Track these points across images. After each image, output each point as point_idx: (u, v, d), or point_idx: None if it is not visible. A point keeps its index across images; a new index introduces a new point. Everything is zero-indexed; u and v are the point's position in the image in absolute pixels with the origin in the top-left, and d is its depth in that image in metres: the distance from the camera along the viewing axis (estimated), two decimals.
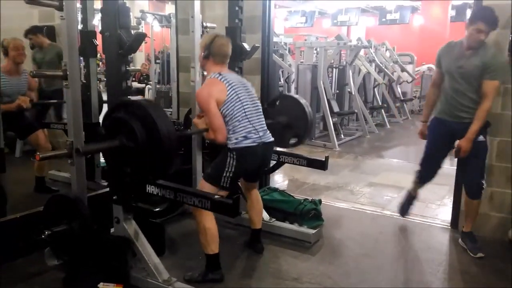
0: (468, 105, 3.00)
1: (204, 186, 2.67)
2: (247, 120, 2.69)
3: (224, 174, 2.63)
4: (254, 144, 2.68)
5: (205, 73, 3.32)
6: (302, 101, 3.47)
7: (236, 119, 2.65)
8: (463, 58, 2.98)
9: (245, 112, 2.69)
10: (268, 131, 2.84)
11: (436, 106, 3.25)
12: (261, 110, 2.85)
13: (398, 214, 3.75)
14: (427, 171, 3.47)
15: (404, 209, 3.72)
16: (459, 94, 3.02)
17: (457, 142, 3.05)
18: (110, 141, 2.21)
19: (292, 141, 3.52)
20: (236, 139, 2.63)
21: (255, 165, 2.78)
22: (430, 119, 3.35)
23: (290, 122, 3.44)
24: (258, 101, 2.86)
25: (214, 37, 2.74)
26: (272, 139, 2.86)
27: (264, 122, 2.83)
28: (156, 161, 2.17)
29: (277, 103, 3.55)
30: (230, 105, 2.65)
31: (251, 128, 2.69)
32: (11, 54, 3.82)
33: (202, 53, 2.75)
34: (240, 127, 2.66)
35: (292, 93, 7.33)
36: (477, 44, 2.91)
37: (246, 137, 2.65)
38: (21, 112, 3.86)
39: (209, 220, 2.60)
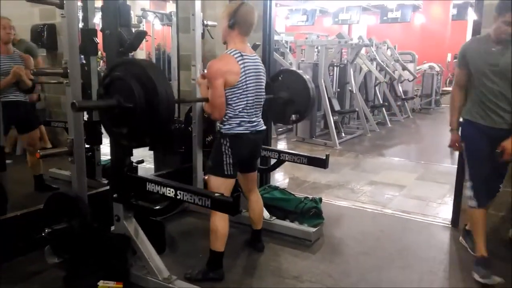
0: (506, 108, 2.68)
1: (211, 180, 2.67)
2: (245, 112, 2.64)
3: (225, 162, 2.61)
4: (247, 131, 2.65)
5: (206, 70, 3.33)
6: (305, 76, 3.42)
7: (236, 108, 2.58)
8: (495, 55, 2.68)
9: (247, 104, 2.63)
10: (262, 121, 2.80)
11: (465, 108, 2.91)
12: (262, 102, 2.79)
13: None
14: (482, 183, 2.84)
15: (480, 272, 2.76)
16: (496, 95, 2.69)
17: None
18: (108, 100, 2.14)
19: (294, 117, 3.46)
20: (230, 125, 2.60)
21: (247, 151, 2.73)
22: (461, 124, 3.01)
23: (291, 97, 3.38)
24: (264, 92, 2.78)
25: (240, 4, 2.55)
26: (265, 127, 2.82)
27: (260, 114, 2.79)
28: (153, 122, 2.09)
29: (280, 77, 3.51)
30: (237, 92, 2.55)
31: (246, 119, 2.65)
32: None
33: (227, 23, 2.56)
34: (237, 116, 2.61)
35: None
36: (506, 37, 2.62)
37: (239, 125, 2.62)
38: (26, 105, 3.89)
39: (221, 220, 2.61)
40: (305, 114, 3.53)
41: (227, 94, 2.54)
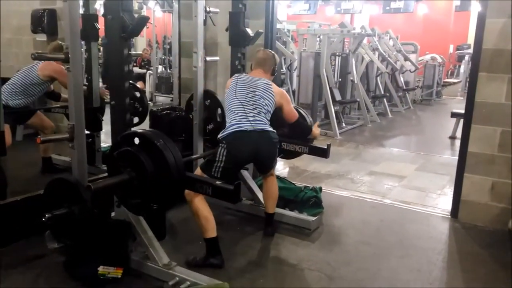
0: None
1: (197, 171, 2.80)
2: (239, 106, 2.82)
3: (215, 164, 2.70)
4: (241, 129, 2.74)
5: (207, 58, 3.32)
6: (303, 112, 3.40)
7: (229, 108, 2.85)
8: None
9: (238, 100, 2.84)
10: (267, 125, 2.85)
11: None
12: (259, 109, 2.86)
13: None
14: None
15: None
16: None
17: None
18: (120, 176, 2.22)
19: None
20: (225, 128, 2.77)
21: (246, 152, 2.78)
22: None
23: (290, 134, 3.35)
24: (261, 102, 2.87)
25: (257, 52, 3.20)
26: (270, 129, 2.86)
27: (260, 118, 2.83)
28: (164, 192, 2.18)
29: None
30: (229, 92, 2.90)
31: (242, 116, 2.79)
32: None
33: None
34: (231, 116, 2.81)
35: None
36: None
37: (234, 124, 2.76)
38: None
39: (201, 205, 2.64)
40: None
41: (224, 99, 2.99)
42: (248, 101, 2.85)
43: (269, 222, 3.17)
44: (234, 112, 2.82)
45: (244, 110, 2.81)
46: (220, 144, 2.72)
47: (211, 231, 2.65)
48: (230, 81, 3.03)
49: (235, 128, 2.74)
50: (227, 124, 2.80)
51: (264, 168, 3.06)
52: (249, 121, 2.79)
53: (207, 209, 2.66)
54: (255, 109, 2.85)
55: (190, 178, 2.34)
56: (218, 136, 2.76)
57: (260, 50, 3.21)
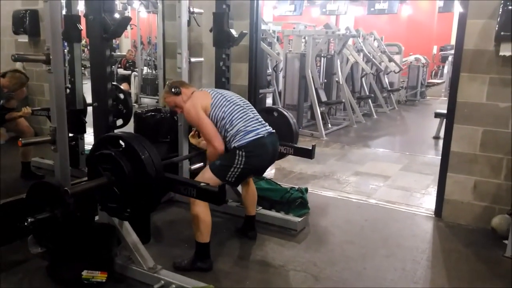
0: None
1: (207, 175, 2.59)
2: (243, 111, 2.68)
3: (232, 170, 2.57)
4: (259, 135, 2.62)
5: (192, 59, 3.30)
6: (287, 114, 3.39)
7: (230, 115, 2.64)
8: None
9: (237, 104, 2.70)
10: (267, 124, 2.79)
11: None
12: (253, 107, 2.82)
13: None
14: None
15: None
16: None
17: None
18: (98, 179, 2.17)
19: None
20: (240, 136, 2.59)
21: (268, 158, 2.73)
22: None
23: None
24: (248, 102, 2.84)
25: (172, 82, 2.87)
26: (274, 130, 2.79)
27: (260, 116, 2.79)
28: (143, 195, 2.14)
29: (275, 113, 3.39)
30: (218, 104, 2.67)
31: (251, 120, 2.67)
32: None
33: (174, 95, 2.75)
34: (239, 121, 2.63)
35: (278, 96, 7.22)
36: None
37: (249, 131, 2.61)
38: None
39: (203, 209, 2.57)
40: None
41: (212, 115, 2.65)
42: (244, 105, 2.75)
43: (251, 225, 3.13)
44: (243, 118, 2.65)
45: (250, 113, 2.70)
46: (238, 152, 2.56)
47: (206, 237, 2.62)
48: (202, 97, 2.71)
49: (253, 136, 2.60)
50: (240, 133, 2.59)
51: (263, 172, 3.01)
52: (262, 124, 2.70)
53: (209, 215, 2.60)
54: (254, 110, 2.78)
55: (172, 180, 2.31)
56: (234, 145, 2.58)
57: (169, 82, 2.91)
